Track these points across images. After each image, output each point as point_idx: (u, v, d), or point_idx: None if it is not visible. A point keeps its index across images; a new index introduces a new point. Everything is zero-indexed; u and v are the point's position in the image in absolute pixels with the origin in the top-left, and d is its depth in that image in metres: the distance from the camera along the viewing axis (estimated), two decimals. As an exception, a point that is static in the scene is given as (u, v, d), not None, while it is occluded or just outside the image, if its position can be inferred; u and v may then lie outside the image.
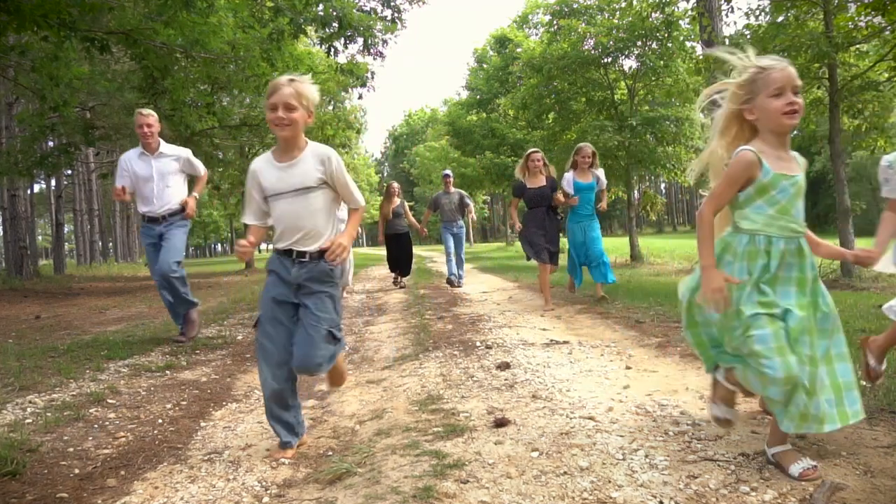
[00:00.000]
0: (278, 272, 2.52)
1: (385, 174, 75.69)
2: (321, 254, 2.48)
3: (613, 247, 15.83)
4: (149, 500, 2.17)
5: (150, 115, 5.03)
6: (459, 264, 9.36)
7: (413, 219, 9.89)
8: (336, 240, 2.48)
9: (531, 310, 6.35)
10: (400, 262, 9.82)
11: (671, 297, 6.51)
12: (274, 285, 2.52)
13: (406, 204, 9.84)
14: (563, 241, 6.79)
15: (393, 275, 10.21)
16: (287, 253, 2.49)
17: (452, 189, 9.55)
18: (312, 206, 2.47)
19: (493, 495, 1.93)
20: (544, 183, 6.39)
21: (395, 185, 9.96)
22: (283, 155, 2.47)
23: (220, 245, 73.32)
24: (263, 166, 2.50)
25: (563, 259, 6.96)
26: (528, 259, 6.60)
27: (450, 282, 9.18)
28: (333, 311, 2.52)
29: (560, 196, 6.36)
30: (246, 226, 2.71)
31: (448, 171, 10.05)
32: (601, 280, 6.43)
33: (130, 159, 5.05)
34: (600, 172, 6.59)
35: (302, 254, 2.48)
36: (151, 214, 5.05)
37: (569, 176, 6.46)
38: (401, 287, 9.83)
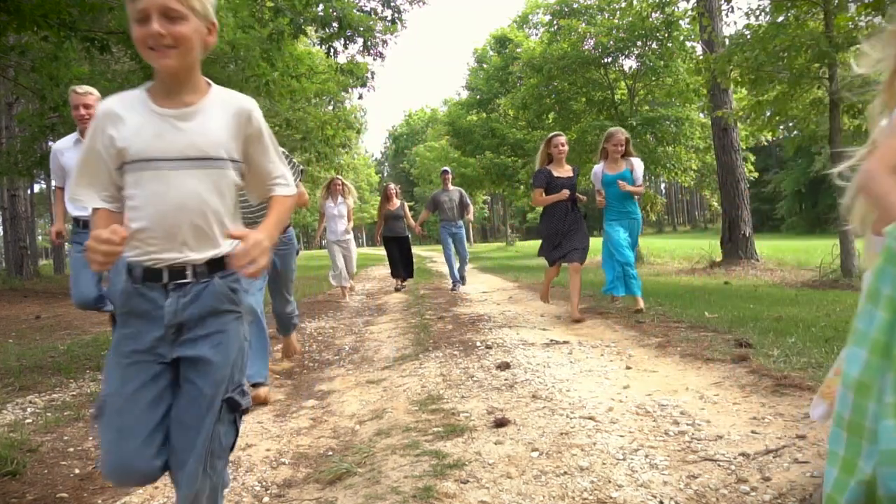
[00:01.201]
0: (139, 313, 1.47)
1: (385, 174, 75.75)
2: (214, 265, 1.48)
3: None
4: (149, 500, 2.17)
5: (89, 94, 3.87)
6: (462, 262, 9.08)
7: (412, 221, 9.59)
8: (248, 235, 1.39)
9: (531, 310, 6.35)
10: (400, 265, 9.56)
11: (671, 296, 6.52)
12: (130, 339, 1.47)
13: (406, 206, 9.56)
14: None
15: (395, 279, 9.86)
16: (154, 275, 1.45)
17: (451, 186, 9.22)
18: (211, 189, 1.46)
19: (493, 495, 1.93)
20: (571, 173, 5.55)
21: (393, 186, 9.70)
22: (166, 97, 1.46)
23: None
24: (126, 108, 1.45)
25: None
26: (551, 264, 5.61)
27: (461, 284, 8.93)
28: (239, 360, 1.53)
29: (582, 197, 5.56)
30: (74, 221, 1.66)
31: (447, 168, 9.73)
32: (630, 292, 5.54)
33: (62, 151, 3.96)
34: (637, 162, 5.51)
35: (179, 272, 1.46)
36: (87, 218, 3.72)
37: (597, 169, 5.53)
38: (400, 289, 9.65)
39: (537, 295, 7.91)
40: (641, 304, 5.51)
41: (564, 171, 5.51)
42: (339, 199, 8.34)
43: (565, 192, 5.36)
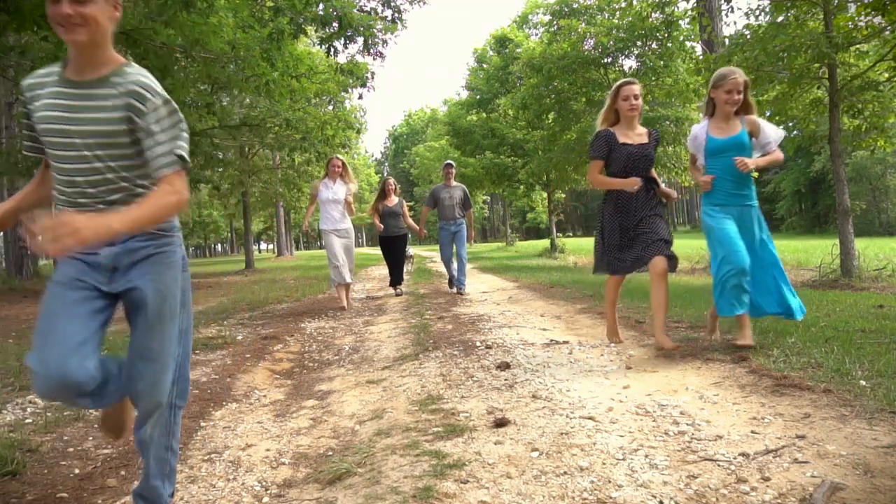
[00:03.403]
0: None
1: (385, 174, 75.84)
2: None
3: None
4: (149, 500, 2.17)
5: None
6: (461, 265, 8.52)
7: (412, 221, 9.01)
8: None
9: (531, 310, 6.35)
10: (393, 266, 9.06)
11: (671, 296, 6.49)
12: None
13: (405, 203, 9.05)
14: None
15: (393, 287, 9.28)
16: None
17: (454, 182, 8.54)
18: None
19: (493, 495, 1.93)
20: (646, 139, 3.91)
21: (392, 181, 9.04)
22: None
23: (220, 245, 73.42)
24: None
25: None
26: (596, 272, 4.23)
27: (458, 290, 8.46)
28: None
29: (670, 191, 3.98)
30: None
31: (450, 161, 9.04)
32: (763, 312, 3.74)
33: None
34: (765, 125, 3.72)
35: None
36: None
37: (698, 130, 3.75)
38: (398, 294, 9.11)
39: (537, 295, 7.91)
40: (748, 337, 3.55)
41: (636, 134, 3.89)
42: (338, 181, 7.29)
43: (634, 181, 3.76)
